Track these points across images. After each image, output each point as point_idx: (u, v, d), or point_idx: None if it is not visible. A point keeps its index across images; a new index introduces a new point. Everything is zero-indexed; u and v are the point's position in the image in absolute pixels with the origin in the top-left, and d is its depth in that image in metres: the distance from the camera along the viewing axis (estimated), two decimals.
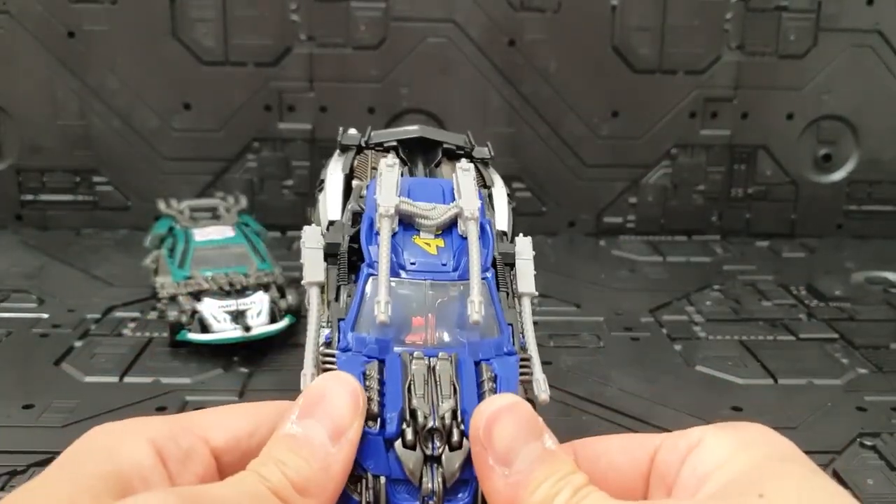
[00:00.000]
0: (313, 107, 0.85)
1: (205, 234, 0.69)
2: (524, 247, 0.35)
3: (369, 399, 0.28)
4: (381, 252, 0.31)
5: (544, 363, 0.60)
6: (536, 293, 0.34)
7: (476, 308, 0.30)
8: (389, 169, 0.35)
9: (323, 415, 0.28)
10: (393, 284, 0.31)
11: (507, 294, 0.33)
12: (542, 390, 0.30)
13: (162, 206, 0.76)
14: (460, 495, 0.28)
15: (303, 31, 0.83)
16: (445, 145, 0.40)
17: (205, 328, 0.59)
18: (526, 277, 0.34)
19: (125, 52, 0.83)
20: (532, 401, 0.29)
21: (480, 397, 0.28)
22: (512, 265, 0.34)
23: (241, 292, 0.61)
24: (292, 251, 0.83)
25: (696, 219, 0.90)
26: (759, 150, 0.88)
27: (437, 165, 0.41)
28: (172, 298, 0.62)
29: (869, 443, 0.50)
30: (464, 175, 0.36)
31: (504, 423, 0.27)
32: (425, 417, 0.28)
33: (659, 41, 0.84)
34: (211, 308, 0.60)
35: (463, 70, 0.84)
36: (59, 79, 0.83)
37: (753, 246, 0.88)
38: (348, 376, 0.29)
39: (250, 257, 0.66)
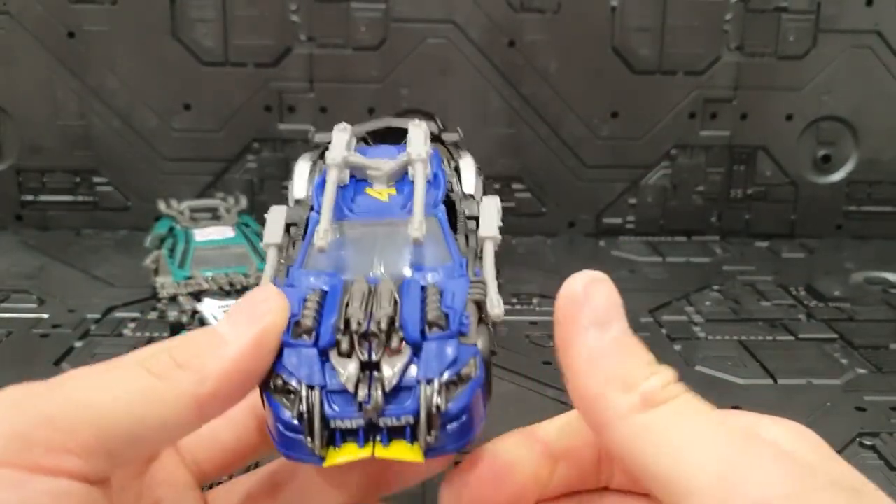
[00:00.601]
0: (313, 107, 0.85)
1: (205, 234, 0.69)
2: (489, 203, 0.34)
3: (305, 316, 0.27)
4: (327, 189, 0.31)
5: (544, 363, 0.60)
6: (499, 237, 0.32)
7: (416, 226, 0.29)
8: (340, 132, 0.35)
9: (232, 313, 0.27)
10: (350, 231, 0.31)
11: (466, 236, 0.33)
12: (495, 306, 0.28)
13: (162, 206, 0.76)
14: (407, 403, 0.26)
15: (303, 32, 0.83)
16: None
17: None
18: (488, 225, 0.33)
19: (125, 53, 0.83)
20: (486, 321, 0.28)
21: (423, 311, 0.27)
22: (476, 219, 0.33)
23: (242, 292, 0.61)
24: None
25: (696, 219, 0.90)
26: (758, 150, 0.88)
27: None
28: (173, 299, 0.62)
29: (868, 443, 0.50)
30: (415, 128, 0.36)
31: (602, 288, 0.26)
32: (359, 324, 0.26)
33: (659, 42, 0.84)
34: (211, 308, 0.60)
35: (463, 71, 0.84)
36: (59, 79, 0.83)
37: (753, 246, 0.88)
38: (268, 284, 0.29)
39: (250, 258, 0.66)
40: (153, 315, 0.66)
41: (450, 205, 0.34)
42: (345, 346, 0.26)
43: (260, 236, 0.72)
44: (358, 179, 0.34)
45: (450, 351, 0.26)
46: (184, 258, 0.65)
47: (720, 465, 0.22)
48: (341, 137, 0.35)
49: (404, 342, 0.26)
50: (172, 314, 0.60)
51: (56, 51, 0.82)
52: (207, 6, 0.82)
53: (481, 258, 0.31)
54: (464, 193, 0.35)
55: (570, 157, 0.87)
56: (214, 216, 0.74)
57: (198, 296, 0.61)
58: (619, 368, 0.25)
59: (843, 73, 0.86)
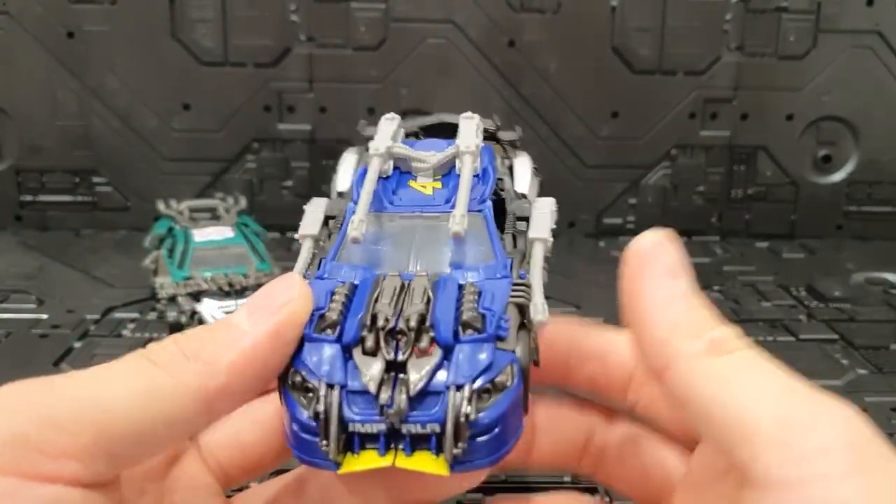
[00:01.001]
0: (313, 107, 0.85)
1: (204, 234, 0.69)
2: (543, 204, 0.32)
3: (331, 309, 0.25)
4: (366, 178, 0.29)
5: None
6: (551, 240, 0.30)
7: (457, 220, 0.27)
8: (388, 121, 0.33)
9: (250, 302, 0.25)
10: (389, 224, 0.30)
11: (514, 237, 0.30)
12: (539, 311, 0.26)
13: (161, 206, 0.76)
14: (434, 410, 0.23)
15: (302, 32, 0.83)
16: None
17: None
18: (540, 226, 0.30)
19: (125, 53, 0.83)
20: (528, 327, 0.26)
21: (458, 311, 0.25)
22: (526, 219, 0.31)
23: (241, 293, 0.61)
24: (292, 252, 0.83)
25: (696, 220, 0.90)
26: (758, 150, 0.88)
27: None
28: (172, 299, 0.62)
29: None
30: (466, 121, 0.33)
31: (673, 245, 0.26)
32: (387, 320, 0.24)
33: (659, 42, 0.84)
34: (210, 309, 0.60)
35: (463, 71, 0.84)
36: (58, 79, 0.83)
37: (753, 247, 0.88)
38: (292, 273, 0.27)
39: (249, 258, 0.66)
40: (152, 315, 0.66)
41: (500, 205, 0.32)
42: (370, 343, 0.24)
43: (259, 236, 0.73)
44: (402, 172, 0.32)
45: (484, 356, 0.24)
46: (183, 258, 0.65)
47: (784, 412, 0.22)
48: (388, 127, 0.33)
49: (435, 343, 0.24)
50: (171, 315, 0.60)
51: (55, 51, 0.82)
52: (207, 6, 0.82)
53: (529, 261, 0.29)
54: (516, 193, 0.33)
55: (570, 157, 0.87)
56: (214, 216, 0.74)
57: (197, 296, 0.61)
58: (688, 316, 0.25)
59: (844, 73, 0.86)
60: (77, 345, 0.61)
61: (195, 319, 0.59)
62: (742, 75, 0.86)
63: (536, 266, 0.28)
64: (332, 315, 0.25)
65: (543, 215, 0.31)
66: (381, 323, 0.24)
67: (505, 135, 0.37)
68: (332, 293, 0.26)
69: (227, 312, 0.59)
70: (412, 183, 0.31)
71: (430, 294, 0.26)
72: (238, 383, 0.23)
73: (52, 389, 0.22)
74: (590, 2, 0.83)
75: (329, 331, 0.25)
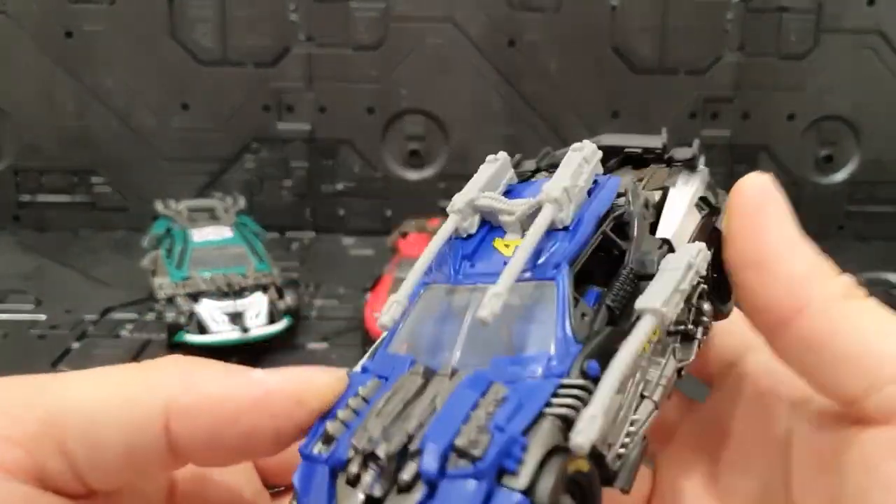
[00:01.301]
0: (312, 107, 0.84)
1: (203, 234, 0.68)
2: (679, 255, 0.24)
3: (336, 419, 0.21)
4: (430, 242, 0.24)
5: None
6: (670, 314, 0.22)
7: (485, 301, 0.21)
8: (488, 165, 0.27)
9: (282, 369, 0.23)
10: (456, 299, 0.24)
11: (610, 309, 0.23)
12: (579, 430, 0.19)
13: (160, 206, 0.75)
14: None
15: (302, 32, 0.83)
16: (627, 150, 0.30)
17: (203, 329, 0.59)
18: (656, 291, 0.22)
19: (123, 53, 0.82)
20: (562, 447, 0.19)
21: (457, 431, 0.19)
22: (647, 278, 0.23)
23: (240, 293, 0.61)
24: (291, 252, 0.83)
25: None
26: (760, 150, 0.88)
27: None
28: (170, 300, 0.62)
29: None
30: (571, 154, 0.26)
31: (778, 190, 0.25)
32: (369, 441, 0.20)
33: (659, 42, 0.84)
34: (209, 309, 0.60)
35: (462, 70, 0.84)
36: (57, 79, 0.83)
37: None
38: (342, 371, 0.23)
39: (248, 258, 0.65)
40: (151, 316, 0.66)
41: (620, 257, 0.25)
42: (353, 469, 0.20)
43: (258, 236, 0.73)
44: (493, 227, 0.25)
45: (468, 498, 0.18)
46: (181, 259, 0.65)
47: None
48: (485, 171, 0.26)
49: (420, 475, 0.19)
50: (170, 315, 0.60)
51: (54, 51, 0.82)
52: (206, 6, 0.81)
53: (621, 332, 0.22)
54: (643, 239, 0.25)
55: None
56: (212, 216, 0.74)
57: (196, 297, 0.61)
58: (817, 259, 0.25)
59: (845, 72, 0.85)
60: (75, 345, 0.61)
61: (193, 320, 0.59)
62: (743, 75, 0.85)
63: (625, 355, 0.21)
64: (331, 428, 0.21)
65: (671, 273, 0.23)
66: (362, 445, 0.20)
67: (680, 153, 0.29)
68: (356, 395, 0.22)
69: (226, 313, 0.59)
70: (497, 242, 0.25)
71: (438, 403, 0.20)
72: (204, 417, 0.21)
73: (5, 378, 0.20)
74: (590, 1, 0.83)
75: (323, 448, 0.21)
